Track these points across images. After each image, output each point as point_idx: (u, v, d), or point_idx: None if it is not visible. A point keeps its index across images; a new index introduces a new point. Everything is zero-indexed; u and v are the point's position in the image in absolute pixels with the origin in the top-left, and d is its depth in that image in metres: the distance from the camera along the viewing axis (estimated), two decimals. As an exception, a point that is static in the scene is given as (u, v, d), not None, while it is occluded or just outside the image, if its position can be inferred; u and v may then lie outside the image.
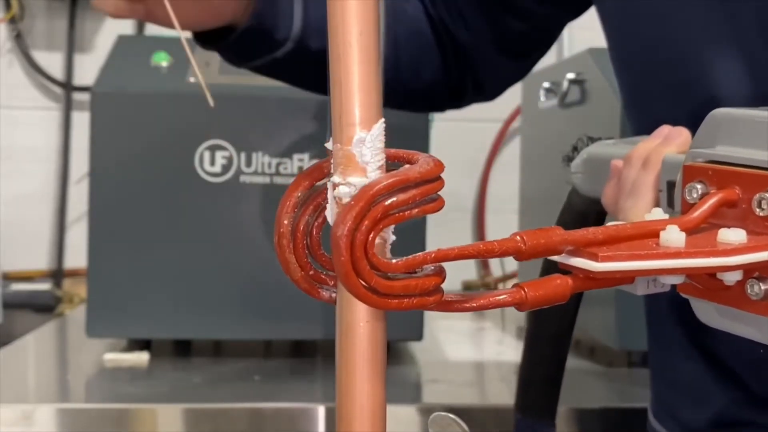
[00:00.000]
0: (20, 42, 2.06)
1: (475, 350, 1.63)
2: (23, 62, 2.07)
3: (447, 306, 0.41)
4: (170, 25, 0.75)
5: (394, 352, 1.44)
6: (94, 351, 1.40)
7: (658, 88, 0.79)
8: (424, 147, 1.36)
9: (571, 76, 1.47)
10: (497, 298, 0.41)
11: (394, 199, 0.39)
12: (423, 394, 1.33)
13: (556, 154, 1.51)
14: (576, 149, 0.77)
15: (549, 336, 0.83)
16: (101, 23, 2.09)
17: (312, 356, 1.43)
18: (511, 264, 2.04)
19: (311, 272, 0.43)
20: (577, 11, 0.95)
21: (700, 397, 0.82)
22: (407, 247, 0.41)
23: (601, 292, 0.82)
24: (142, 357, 1.36)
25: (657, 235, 0.44)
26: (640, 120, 0.83)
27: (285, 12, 0.85)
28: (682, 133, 0.61)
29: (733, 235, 0.44)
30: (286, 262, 0.43)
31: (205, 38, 0.86)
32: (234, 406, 1.20)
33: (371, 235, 0.39)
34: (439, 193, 0.41)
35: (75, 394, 1.28)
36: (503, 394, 1.31)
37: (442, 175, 0.41)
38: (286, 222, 0.42)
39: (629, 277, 0.44)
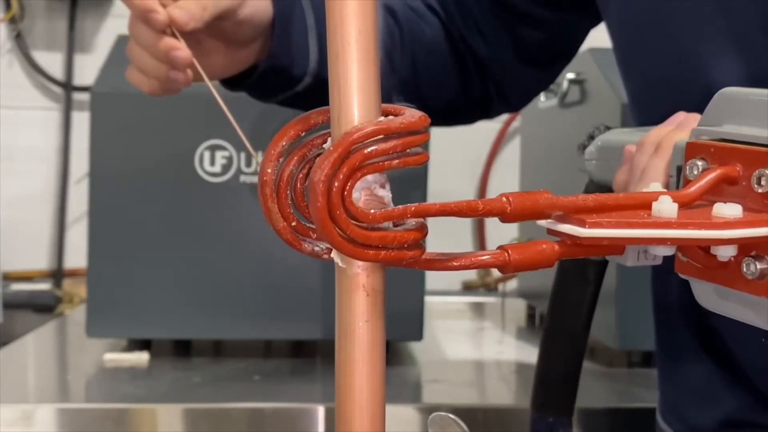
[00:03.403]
0: (20, 42, 2.06)
1: (475, 350, 1.63)
2: (23, 62, 2.07)
3: (428, 264, 0.40)
4: (201, 80, 0.81)
5: (394, 352, 1.43)
6: (94, 351, 1.39)
7: (660, 87, 0.79)
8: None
9: (571, 76, 1.47)
10: (480, 258, 0.41)
11: (375, 147, 0.39)
12: (423, 394, 1.33)
13: (556, 154, 1.51)
14: (592, 137, 0.77)
15: (566, 333, 0.82)
16: (101, 23, 2.09)
17: (312, 356, 1.43)
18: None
19: (294, 223, 0.42)
20: (594, 17, 0.91)
21: (709, 398, 0.82)
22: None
23: (601, 293, 0.82)
24: (142, 357, 1.36)
25: (650, 207, 0.43)
26: (644, 120, 0.83)
27: (300, 49, 0.86)
28: (696, 119, 0.60)
29: (728, 210, 0.43)
30: (269, 211, 0.42)
31: (230, 80, 0.89)
32: (234, 406, 1.19)
33: (349, 183, 0.38)
34: (422, 147, 0.40)
35: (75, 394, 1.28)
36: (503, 394, 1.31)
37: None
38: (269, 170, 0.42)
39: (618, 245, 0.43)
